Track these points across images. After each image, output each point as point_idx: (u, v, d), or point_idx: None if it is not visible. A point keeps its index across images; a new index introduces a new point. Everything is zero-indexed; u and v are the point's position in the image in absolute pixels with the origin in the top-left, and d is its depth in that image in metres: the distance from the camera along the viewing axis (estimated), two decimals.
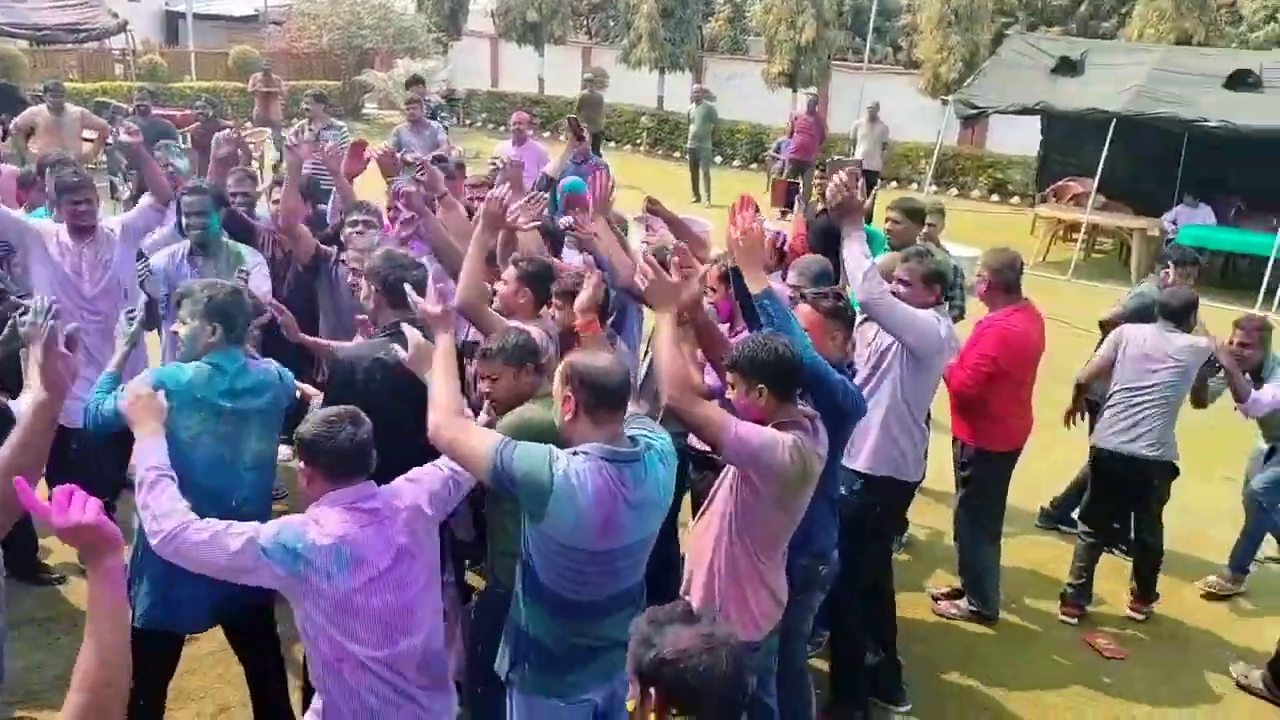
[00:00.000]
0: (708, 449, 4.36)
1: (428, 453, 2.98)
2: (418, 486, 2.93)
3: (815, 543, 3.66)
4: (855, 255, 4.09)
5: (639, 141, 22.81)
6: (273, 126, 15.60)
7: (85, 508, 1.81)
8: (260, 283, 4.91)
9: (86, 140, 10.77)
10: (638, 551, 2.92)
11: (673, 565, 4.01)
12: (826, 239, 4.90)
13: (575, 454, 2.73)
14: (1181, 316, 5.21)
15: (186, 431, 3.25)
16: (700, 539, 3.35)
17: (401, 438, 3.07)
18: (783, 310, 3.44)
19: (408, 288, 3.32)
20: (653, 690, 1.91)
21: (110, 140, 10.48)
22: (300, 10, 26.07)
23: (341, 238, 5.01)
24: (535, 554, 2.84)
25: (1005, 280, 4.87)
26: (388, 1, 26.05)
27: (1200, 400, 5.47)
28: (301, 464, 2.80)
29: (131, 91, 17.15)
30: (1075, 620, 5.31)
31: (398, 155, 5.75)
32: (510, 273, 4.04)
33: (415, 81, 11.61)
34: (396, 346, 3.17)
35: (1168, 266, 5.91)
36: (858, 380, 4.27)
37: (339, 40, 24.79)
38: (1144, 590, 5.44)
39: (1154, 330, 5.26)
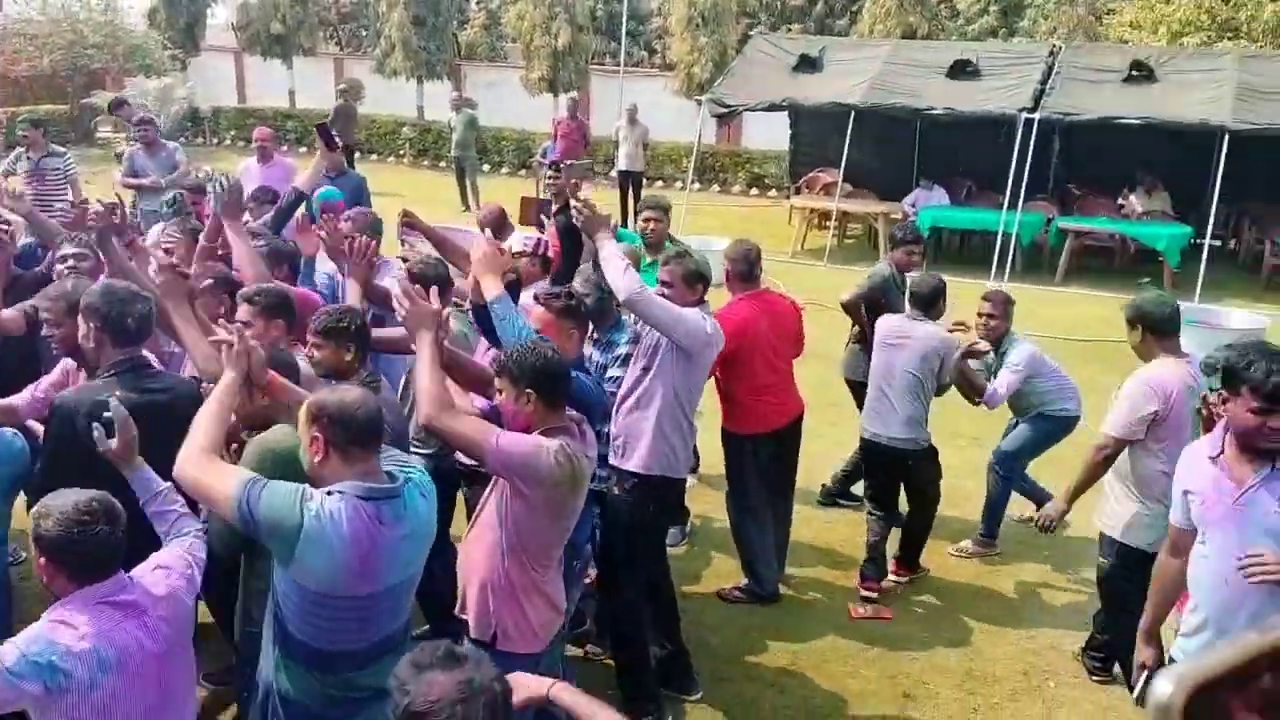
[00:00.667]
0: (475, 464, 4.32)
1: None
2: (170, 574, 2.67)
3: (572, 536, 3.65)
4: (611, 259, 4.13)
5: (402, 153, 22.31)
6: None
7: None
8: None
9: None
10: (400, 594, 2.80)
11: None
12: (572, 236, 4.99)
13: (329, 493, 2.59)
14: (929, 303, 5.37)
15: None
16: (472, 553, 3.27)
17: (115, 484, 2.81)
18: (509, 314, 3.54)
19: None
20: None
21: None
22: (15, 31, 23.89)
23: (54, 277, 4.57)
24: (285, 603, 2.67)
25: (739, 270, 5.13)
26: (116, 19, 24.27)
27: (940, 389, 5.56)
28: (42, 560, 2.47)
29: None
30: (875, 595, 5.43)
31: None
32: (246, 308, 3.74)
33: (120, 104, 10.91)
34: (114, 400, 2.91)
35: (898, 246, 6.28)
36: (627, 381, 4.38)
37: (62, 61, 22.87)
38: (908, 560, 5.69)
39: (900, 318, 5.49)
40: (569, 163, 6.18)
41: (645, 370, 4.36)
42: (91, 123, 22.78)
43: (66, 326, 3.73)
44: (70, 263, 4.49)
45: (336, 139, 6.48)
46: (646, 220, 5.86)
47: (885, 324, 5.51)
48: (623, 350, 4.48)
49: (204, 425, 2.78)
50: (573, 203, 4.15)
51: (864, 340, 5.98)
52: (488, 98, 22.28)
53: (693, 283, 4.41)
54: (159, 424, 3.03)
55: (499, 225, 6.57)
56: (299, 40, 24.47)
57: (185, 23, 25.04)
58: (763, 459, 5.24)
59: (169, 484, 2.87)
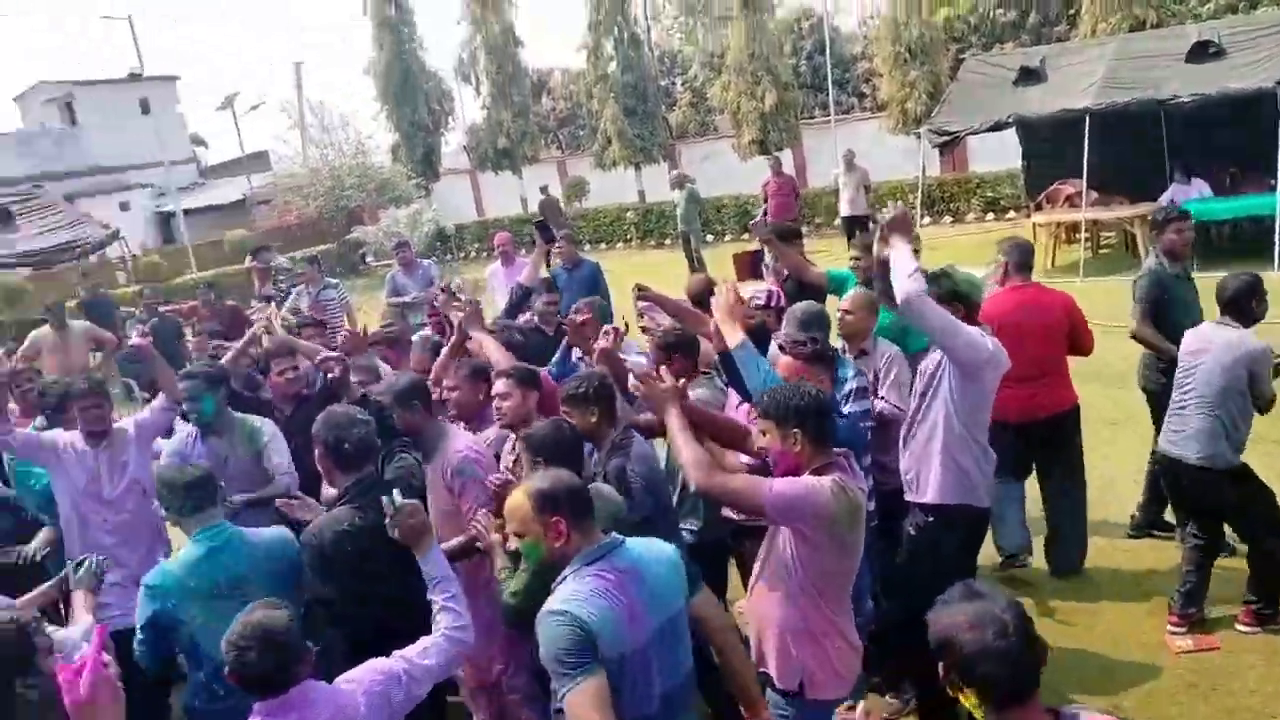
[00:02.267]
0: (747, 517, 4.30)
1: (408, 610, 2.91)
2: (358, 685, 2.77)
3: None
4: (901, 257, 3.99)
5: (628, 237, 23.09)
6: (270, 299, 15.86)
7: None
8: (275, 456, 4.90)
9: (94, 351, 10.98)
10: (674, 635, 2.76)
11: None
12: (800, 292, 5.15)
13: (561, 583, 2.63)
14: (1232, 305, 4.75)
15: (193, 622, 3.22)
16: (762, 606, 3.24)
17: (380, 600, 3.00)
18: (752, 359, 3.57)
19: None
20: (941, 665, 2.05)
21: (121, 346, 10.74)
22: (284, 186, 26.86)
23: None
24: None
25: (1015, 260, 5.28)
26: (365, 160, 26.80)
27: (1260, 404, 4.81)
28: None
29: (135, 297, 17.57)
30: (1184, 630, 4.87)
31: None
32: (504, 382, 4.13)
33: (261, 249, 11.85)
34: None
35: (1163, 229, 5.69)
36: (910, 411, 4.30)
37: (326, 205, 25.46)
38: (1260, 603, 4.84)
39: (1207, 326, 4.93)
40: (753, 222, 6.25)
41: (925, 397, 4.20)
42: (356, 256, 25.14)
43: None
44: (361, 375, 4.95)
45: (554, 231, 6.88)
46: (853, 259, 5.74)
47: (1188, 336, 4.97)
48: (851, 385, 4.34)
49: (686, 452, 3.11)
50: (889, 205, 4.16)
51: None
52: (704, 170, 22.77)
53: (951, 302, 4.19)
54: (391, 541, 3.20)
55: (706, 293, 6.64)
56: (524, 151, 26.01)
57: (423, 153, 27.27)
58: (1020, 446, 5.13)
59: (448, 575, 3.07)
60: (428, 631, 3.00)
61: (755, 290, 5.25)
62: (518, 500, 2.70)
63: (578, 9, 24.72)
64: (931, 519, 4.17)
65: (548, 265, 10.59)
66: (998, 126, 14.49)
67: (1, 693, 2.17)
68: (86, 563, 3.58)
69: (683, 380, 3.57)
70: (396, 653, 2.88)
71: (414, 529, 3.06)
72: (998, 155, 18.32)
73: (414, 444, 4.25)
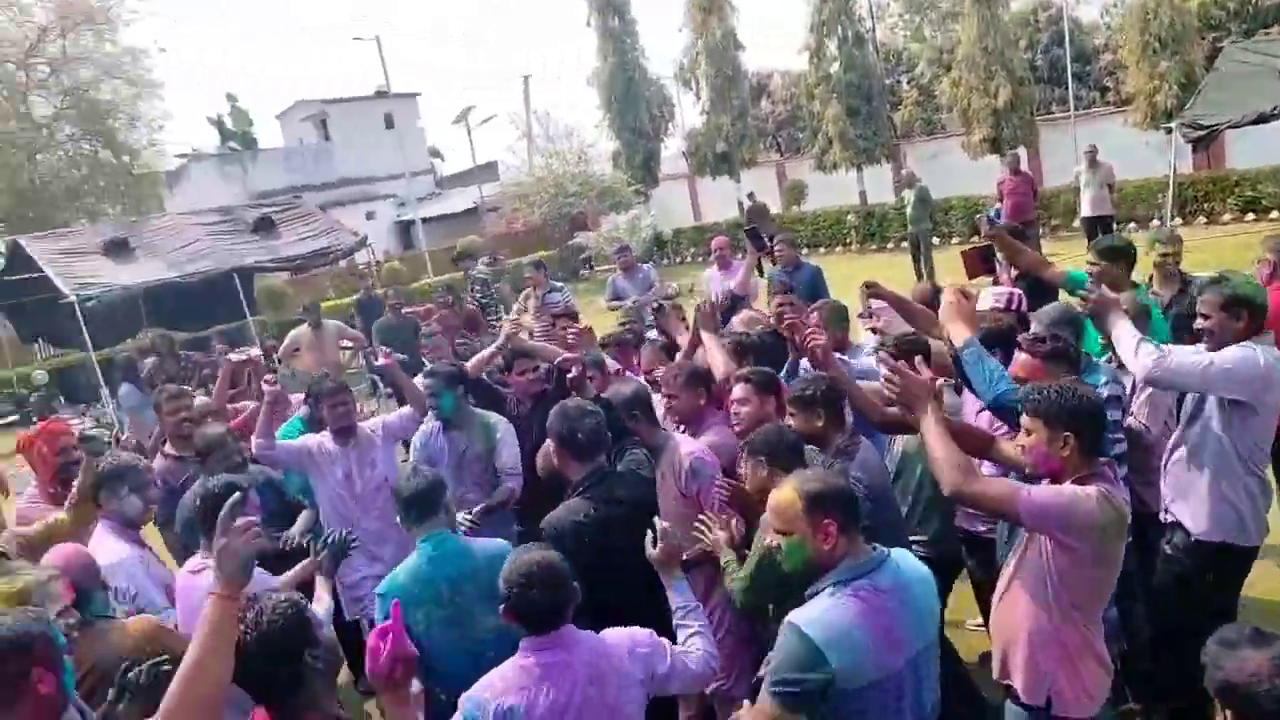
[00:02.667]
0: (977, 530, 4.09)
1: (642, 610, 2.92)
2: (632, 645, 2.82)
3: None
4: (1123, 338, 3.75)
5: (848, 241, 22.61)
6: (502, 301, 16.58)
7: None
8: (505, 455, 5.08)
9: (345, 349, 11.80)
10: (928, 660, 2.67)
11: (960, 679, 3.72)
12: (1038, 290, 4.96)
13: (816, 594, 2.58)
14: None
15: (417, 628, 3.33)
16: (1009, 617, 3.07)
17: (618, 595, 3.03)
18: (980, 360, 3.41)
19: None
20: (1228, 712, 2.01)
21: (364, 355, 11.58)
22: (512, 194, 28.06)
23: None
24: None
25: None
26: (587, 168, 27.60)
27: None
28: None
29: (354, 305, 18.85)
30: None
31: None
32: (743, 387, 4.10)
33: (464, 256, 12.07)
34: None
35: None
36: (1178, 429, 3.96)
37: (550, 213, 26.40)
38: None
39: None
40: (979, 216, 5.81)
41: (1192, 419, 3.84)
42: (577, 261, 25.92)
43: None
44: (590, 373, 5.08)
45: (764, 238, 6.75)
46: (1089, 264, 5.25)
47: None
48: (1103, 393, 3.99)
49: (942, 454, 2.97)
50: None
51: None
52: (930, 170, 21.98)
53: (1234, 310, 3.76)
54: (631, 527, 3.27)
55: (932, 301, 6.37)
56: (742, 154, 26.00)
57: (642, 159, 27.76)
58: None
59: (696, 604, 3.07)
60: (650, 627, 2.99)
61: (996, 293, 4.97)
62: (787, 497, 2.64)
63: (800, 11, 24.47)
64: (1186, 547, 3.83)
65: (761, 270, 10.52)
66: (1262, 119, 13.19)
67: (295, 664, 2.37)
68: (332, 536, 3.80)
69: (940, 381, 3.40)
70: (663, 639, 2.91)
71: (670, 554, 3.08)
72: (1258, 151, 16.73)
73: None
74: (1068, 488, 2.87)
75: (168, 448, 5.48)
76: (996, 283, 8.64)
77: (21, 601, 2.77)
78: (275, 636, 2.35)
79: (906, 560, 2.68)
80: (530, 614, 2.70)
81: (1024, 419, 3.01)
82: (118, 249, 15.48)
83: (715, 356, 4.78)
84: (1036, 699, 2.99)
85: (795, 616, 2.54)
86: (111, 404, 12.75)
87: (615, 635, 2.84)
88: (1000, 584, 3.18)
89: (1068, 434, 2.88)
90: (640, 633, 2.87)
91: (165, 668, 2.69)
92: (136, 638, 3.01)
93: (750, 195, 20.97)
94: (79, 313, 13.81)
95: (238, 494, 2.58)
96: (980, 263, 13.18)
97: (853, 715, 2.54)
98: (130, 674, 2.70)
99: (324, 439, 5.21)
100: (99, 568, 3.27)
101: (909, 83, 30.31)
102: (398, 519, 3.61)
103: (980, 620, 4.68)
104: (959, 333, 3.48)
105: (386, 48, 30.16)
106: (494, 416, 5.32)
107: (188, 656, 2.25)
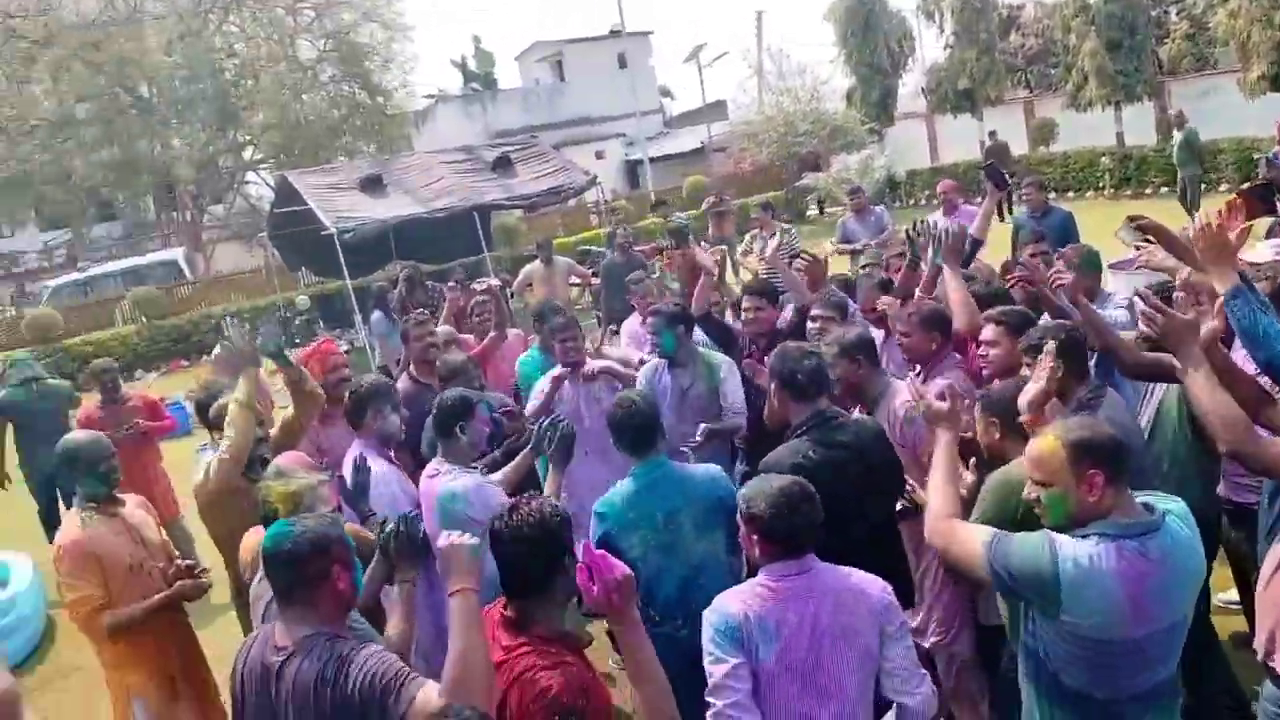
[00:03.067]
0: (1246, 501, 3.76)
1: (862, 564, 2.85)
2: (875, 582, 2.77)
3: None
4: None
5: (1100, 185, 21.04)
6: (727, 242, 16.54)
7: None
8: (730, 394, 5.07)
9: (574, 286, 12.17)
10: (1173, 635, 2.50)
11: (1209, 648, 3.46)
12: None
13: (1084, 537, 2.41)
14: None
15: (630, 552, 3.39)
16: (1277, 594, 2.78)
17: (837, 542, 2.92)
18: (1250, 309, 2.89)
19: None
20: None
21: (590, 289, 11.91)
22: (740, 134, 27.83)
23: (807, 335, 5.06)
24: (1053, 651, 2.51)
25: None
26: (819, 106, 26.93)
27: None
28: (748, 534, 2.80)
29: (606, 238, 19.27)
30: None
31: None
32: (992, 329, 3.93)
33: (659, 204, 11.74)
34: None
35: None
36: None
37: (778, 153, 26.00)
38: None
39: None
40: (1258, 157, 5.13)
41: None
42: (804, 202, 25.48)
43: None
44: (819, 323, 4.99)
45: (1005, 177, 6.28)
46: None
47: None
48: None
49: (939, 490, 2.84)
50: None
51: None
52: (1199, 110, 20.09)
53: None
54: (851, 474, 3.29)
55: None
56: (987, 91, 24.62)
57: (879, 96, 26.82)
58: None
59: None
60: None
61: (1276, 244, 4.47)
62: (1049, 446, 2.50)
63: None
64: None
65: (1001, 215, 9.92)
66: None
67: (556, 567, 2.52)
68: (562, 427, 3.97)
69: (1210, 322, 3.04)
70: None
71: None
72: None
73: (856, 396, 4.17)
74: None
75: (412, 371, 5.81)
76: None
77: (295, 503, 3.05)
78: (536, 534, 2.49)
79: (1181, 526, 2.47)
80: (788, 538, 2.69)
81: None
82: (372, 185, 16.47)
83: (957, 293, 4.55)
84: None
85: (1059, 541, 2.42)
86: (364, 330, 13.74)
87: (860, 573, 2.79)
88: (1271, 558, 2.89)
89: None
90: (884, 584, 2.79)
91: (414, 513, 3.08)
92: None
93: (991, 134, 19.85)
94: (337, 244, 14.87)
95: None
96: (1260, 203, 11.89)
97: (1098, 665, 2.43)
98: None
99: (557, 371, 5.38)
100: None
101: (1178, 14, 27.65)
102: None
103: (1233, 596, 4.32)
104: (1223, 276, 2.99)
105: None
106: (718, 356, 5.32)
107: (451, 650, 2.38)
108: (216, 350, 4.06)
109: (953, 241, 4.75)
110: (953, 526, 2.72)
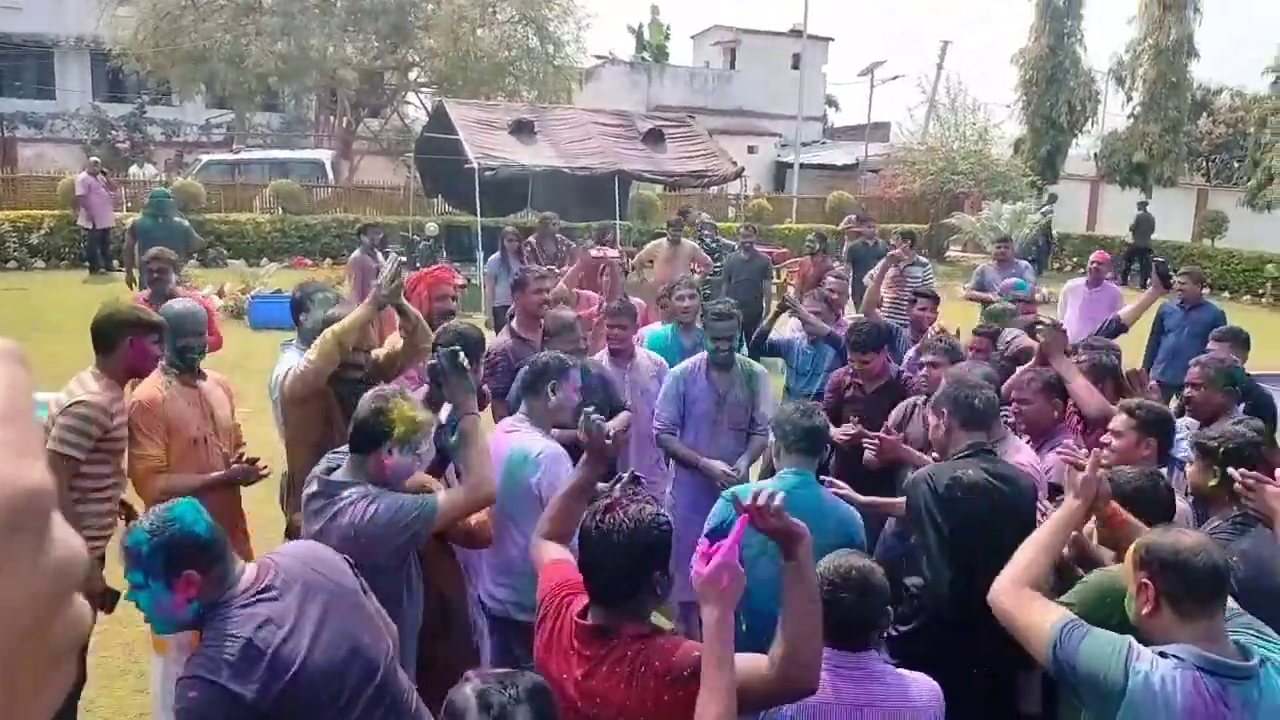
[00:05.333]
0: None
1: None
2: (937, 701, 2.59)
3: None
4: None
5: (1260, 293, 19.91)
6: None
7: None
8: (763, 405, 5.02)
9: (694, 271, 12.04)
10: None
11: None
12: None
13: (1164, 655, 2.20)
14: None
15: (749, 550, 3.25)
16: None
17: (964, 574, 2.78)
18: None
19: None
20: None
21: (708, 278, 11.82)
22: (897, 159, 27.22)
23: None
24: None
25: None
26: (984, 148, 26.13)
27: None
28: None
29: (739, 232, 19.07)
30: None
31: None
32: (1123, 419, 3.68)
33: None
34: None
35: None
36: None
37: (931, 185, 25.33)
38: None
39: None
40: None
41: None
42: (945, 241, 24.76)
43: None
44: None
45: (1173, 279, 6.03)
46: None
47: None
48: None
49: (1029, 554, 2.64)
50: None
51: None
52: None
53: None
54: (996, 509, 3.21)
55: None
56: (1162, 170, 23.54)
57: (1048, 151, 25.88)
58: None
59: None
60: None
61: None
62: (1136, 542, 2.37)
63: (1272, 28, 21.45)
64: None
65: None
66: None
67: (644, 582, 2.29)
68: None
69: None
70: None
71: None
72: None
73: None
74: None
75: (515, 326, 5.66)
76: None
77: (414, 430, 3.03)
78: (628, 542, 2.26)
79: (1278, 679, 2.21)
80: (836, 621, 2.49)
81: None
82: (523, 130, 16.61)
83: (1076, 380, 4.30)
84: None
85: (1139, 651, 2.24)
86: (484, 269, 13.88)
87: (928, 686, 2.59)
88: None
89: None
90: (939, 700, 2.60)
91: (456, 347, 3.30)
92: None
93: (1141, 204, 18.91)
94: (477, 179, 15.02)
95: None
96: None
97: None
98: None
99: (602, 356, 5.33)
100: None
101: None
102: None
103: None
104: None
105: None
106: (758, 366, 5.27)
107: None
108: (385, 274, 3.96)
109: (1057, 336, 4.52)
110: (1029, 595, 2.52)
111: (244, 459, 4.08)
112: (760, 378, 5.09)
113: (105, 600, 3.88)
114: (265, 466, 4.13)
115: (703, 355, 5.13)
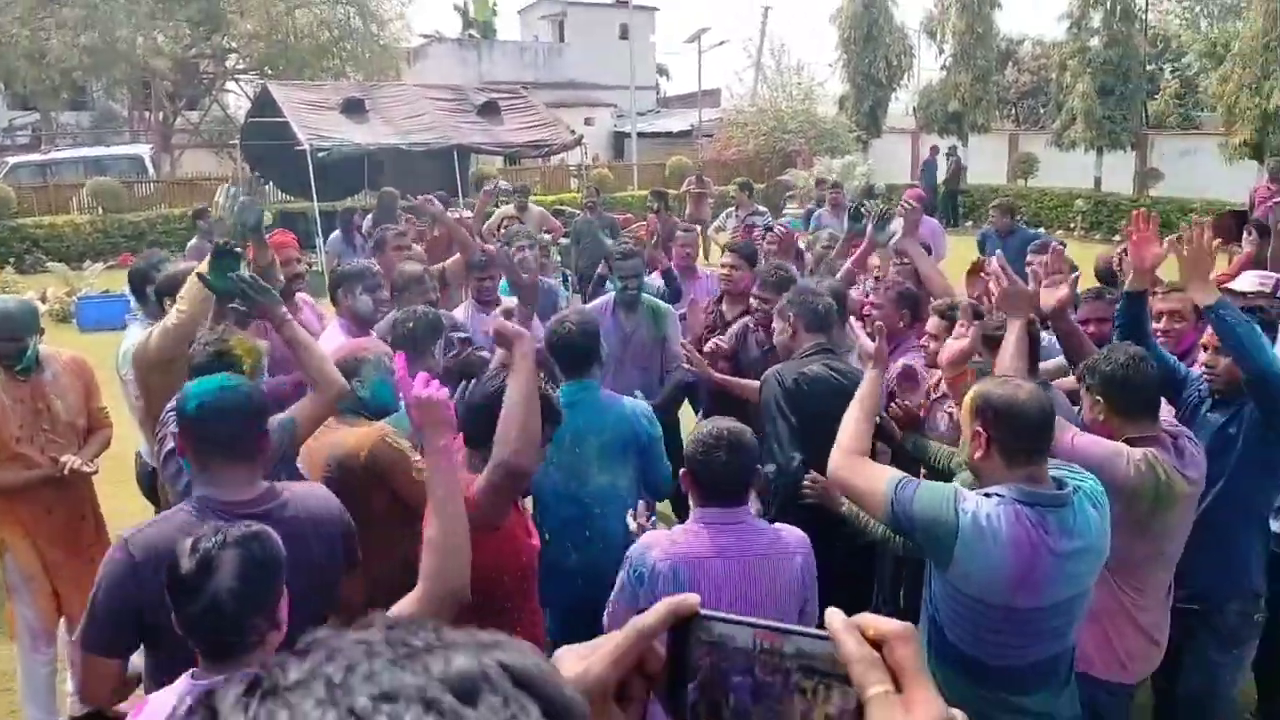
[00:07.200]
0: None
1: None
2: (805, 545, 2.77)
3: (1246, 583, 3.16)
4: None
5: (1073, 226, 21.34)
6: (701, 223, 16.52)
7: (437, 389, 2.14)
8: (673, 344, 5.14)
9: (544, 234, 12.09)
10: (1065, 611, 2.50)
11: None
12: None
13: (987, 495, 2.44)
14: None
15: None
16: None
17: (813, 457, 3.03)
18: (1238, 320, 3.05)
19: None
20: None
21: (561, 241, 11.87)
22: (730, 121, 27.83)
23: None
24: (943, 607, 2.54)
25: None
26: (810, 107, 26.99)
27: None
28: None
29: (581, 199, 19.16)
30: None
31: None
32: (935, 321, 4.08)
33: (835, 186, 11.73)
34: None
35: None
36: None
37: (764, 145, 26.03)
38: None
39: None
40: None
41: None
42: (782, 199, 25.50)
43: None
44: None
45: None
46: None
47: None
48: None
49: (851, 428, 2.84)
50: None
51: None
52: (1177, 168, 20.52)
53: None
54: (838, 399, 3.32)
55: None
56: (975, 118, 24.82)
57: (869, 106, 26.91)
58: None
59: None
60: None
61: (1261, 277, 4.63)
62: (969, 396, 2.61)
63: None
64: None
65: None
66: None
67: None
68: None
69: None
70: None
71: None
72: None
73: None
74: (1112, 443, 2.86)
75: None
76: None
77: (259, 356, 3.28)
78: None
79: (1088, 505, 2.48)
80: (711, 479, 2.67)
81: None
82: (354, 109, 16.22)
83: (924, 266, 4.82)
84: None
85: (964, 494, 2.46)
86: (323, 254, 13.56)
87: (797, 535, 2.77)
88: None
89: (1098, 397, 2.96)
90: (808, 548, 2.78)
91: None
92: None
93: (951, 150, 20.77)
94: (310, 162, 14.61)
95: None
96: (1235, 227, 12.06)
97: (982, 627, 2.47)
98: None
99: (469, 305, 5.42)
100: None
101: (1172, 72, 28.09)
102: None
103: None
104: (1206, 289, 3.15)
105: None
106: (664, 305, 5.40)
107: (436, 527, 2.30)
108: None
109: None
110: (861, 461, 2.75)
111: (55, 460, 3.92)
112: (668, 316, 5.23)
113: None
114: (80, 462, 3.94)
115: (610, 296, 5.30)
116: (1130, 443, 2.88)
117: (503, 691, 0.50)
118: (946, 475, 3.16)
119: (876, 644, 0.66)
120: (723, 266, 5.41)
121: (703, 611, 0.70)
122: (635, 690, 0.72)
